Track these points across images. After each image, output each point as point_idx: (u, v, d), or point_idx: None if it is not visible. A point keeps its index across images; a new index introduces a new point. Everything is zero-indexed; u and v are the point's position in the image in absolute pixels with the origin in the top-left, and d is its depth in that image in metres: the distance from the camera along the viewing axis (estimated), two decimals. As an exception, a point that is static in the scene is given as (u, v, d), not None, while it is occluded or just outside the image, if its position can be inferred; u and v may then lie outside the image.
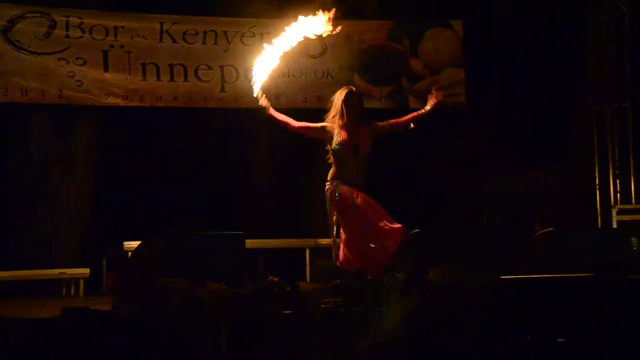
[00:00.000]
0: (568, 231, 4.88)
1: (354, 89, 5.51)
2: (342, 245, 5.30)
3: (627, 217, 7.14)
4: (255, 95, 5.47)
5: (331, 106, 5.47)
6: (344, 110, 5.34)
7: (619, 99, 7.97)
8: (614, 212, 7.22)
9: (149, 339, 3.85)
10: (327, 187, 5.37)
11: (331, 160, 5.41)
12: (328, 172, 5.43)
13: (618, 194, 7.81)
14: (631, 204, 7.54)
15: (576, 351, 3.82)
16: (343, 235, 5.31)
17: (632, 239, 6.79)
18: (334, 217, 5.39)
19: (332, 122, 5.41)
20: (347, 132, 5.33)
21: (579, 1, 8.10)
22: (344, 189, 5.29)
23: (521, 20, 8.19)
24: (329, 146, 5.40)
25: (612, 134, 7.95)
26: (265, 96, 5.49)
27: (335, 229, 5.41)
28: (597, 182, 7.93)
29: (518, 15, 8.19)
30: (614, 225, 7.10)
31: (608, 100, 8.00)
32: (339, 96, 5.44)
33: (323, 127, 5.44)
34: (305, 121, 5.62)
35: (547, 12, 8.05)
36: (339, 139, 5.33)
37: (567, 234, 4.68)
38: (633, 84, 7.93)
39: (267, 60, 5.54)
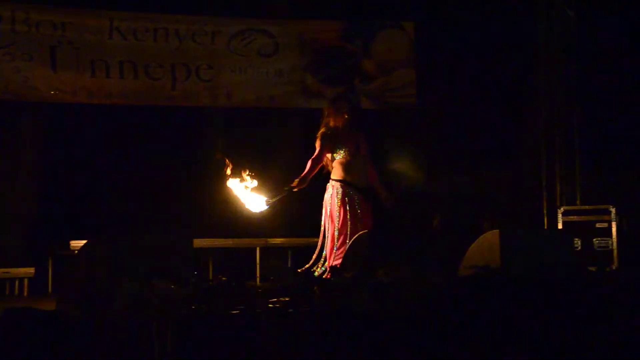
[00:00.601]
0: (513, 231, 4.95)
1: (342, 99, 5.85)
2: (342, 247, 5.35)
3: (572, 218, 7.27)
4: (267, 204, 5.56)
5: (323, 121, 5.70)
6: (335, 116, 5.60)
7: (566, 102, 8.11)
8: (559, 213, 7.34)
9: (93, 340, 3.80)
10: (334, 189, 5.52)
11: (331, 166, 5.63)
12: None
13: (564, 196, 7.95)
14: (576, 205, 7.68)
15: (518, 349, 3.88)
16: (341, 238, 5.40)
17: (576, 239, 6.95)
18: (340, 218, 5.48)
19: (325, 135, 5.63)
20: (344, 135, 5.57)
21: (528, 5, 8.22)
22: (350, 190, 5.49)
23: (471, 22, 8.28)
24: (329, 155, 5.61)
25: (559, 136, 8.09)
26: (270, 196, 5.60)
27: (326, 229, 5.50)
28: (544, 184, 8.06)
29: (468, 18, 8.27)
30: (560, 226, 7.22)
31: (556, 103, 8.14)
32: (328, 107, 5.74)
33: (324, 144, 5.64)
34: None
35: (497, 15, 8.14)
36: (338, 143, 5.55)
37: (513, 235, 4.75)
38: (580, 87, 8.08)
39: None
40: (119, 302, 3.93)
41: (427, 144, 8.58)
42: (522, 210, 8.20)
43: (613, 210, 7.07)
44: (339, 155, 5.58)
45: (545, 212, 7.94)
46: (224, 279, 4.39)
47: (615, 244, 6.95)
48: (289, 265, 7.03)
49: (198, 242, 6.48)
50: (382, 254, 4.65)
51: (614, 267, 6.62)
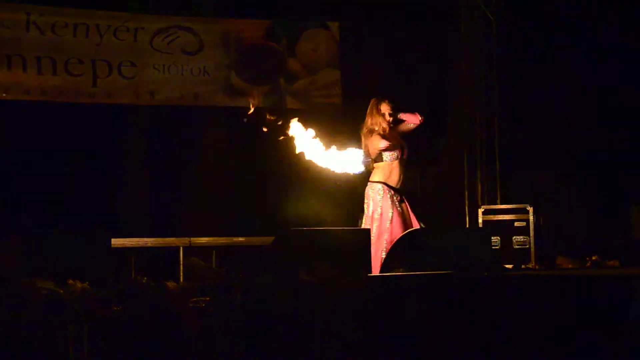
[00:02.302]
0: (431, 230, 5.03)
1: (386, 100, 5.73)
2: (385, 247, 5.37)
3: (491, 217, 7.42)
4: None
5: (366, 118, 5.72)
6: (382, 118, 5.63)
7: (487, 105, 8.28)
8: (480, 212, 7.49)
9: (7, 341, 3.70)
10: (376, 189, 5.53)
11: (374, 166, 5.61)
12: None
13: (486, 196, 8.12)
14: (497, 204, 7.85)
15: (439, 346, 3.94)
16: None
17: (495, 238, 7.10)
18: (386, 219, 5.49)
19: (370, 133, 5.64)
20: (390, 138, 5.60)
21: (451, 9, 8.35)
22: (390, 193, 5.53)
23: (395, 24, 8.36)
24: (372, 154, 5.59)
25: (481, 138, 8.26)
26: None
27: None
28: (465, 184, 8.21)
29: (392, 20, 8.35)
30: (480, 225, 7.36)
31: (477, 106, 8.29)
32: (372, 106, 5.71)
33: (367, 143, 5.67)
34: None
35: (421, 18, 8.24)
36: (385, 146, 5.57)
37: (431, 233, 4.82)
38: (501, 90, 8.26)
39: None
40: (33, 304, 3.83)
41: (351, 144, 8.62)
42: (446, 210, 8.34)
43: (530, 209, 7.25)
44: (387, 158, 5.58)
45: (467, 211, 8.09)
46: (143, 279, 4.33)
47: (532, 242, 7.13)
48: (214, 265, 6.96)
49: (118, 242, 6.35)
50: (304, 253, 4.64)
51: (530, 265, 6.78)
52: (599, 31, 8.02)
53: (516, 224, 7.23)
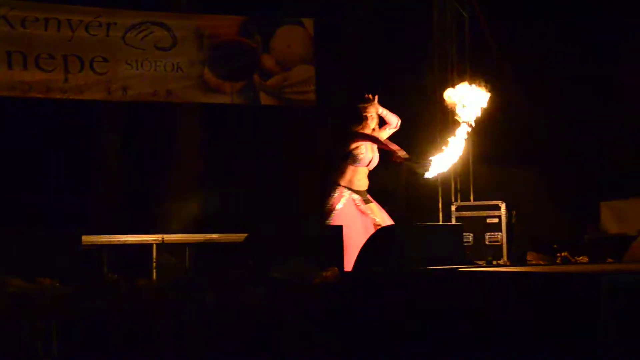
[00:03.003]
0: (403, 227, 5.05)
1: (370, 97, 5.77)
2: None
3: (464, 214, 7.47)
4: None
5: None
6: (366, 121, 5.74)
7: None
8: (452, 209, 7.53)
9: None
10: (337, 193, 5.61)
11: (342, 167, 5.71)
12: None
13: (459, 192, 8.16)
14: (469, 201, 7.90)
15: (408, 342, 3.96)
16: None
17: (468, 234, 7.16)
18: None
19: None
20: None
21: (425, 6, 8.38)
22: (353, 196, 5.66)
23: (371, 21, 8.38)
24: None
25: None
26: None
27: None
28: (439, 181, 8.24)
29: (368, 17, 8.37)
30: (453, 221, 7.41)
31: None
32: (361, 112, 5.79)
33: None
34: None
35: (397, 15, 8.27)
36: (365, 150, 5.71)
37: (403, 230, 4.84)
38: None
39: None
40: (1, 300, 3.80)
41: (326, 141, 8.63)
42: (420, 207, 8.37)
43: (503, 205, 7.31)
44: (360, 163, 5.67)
45: (440, 207, 8.13)
46: (114, 276, 4.31)
47: (504, 239, 7.19)
48: (187, 263, 6.94)
49: (89, 239, 6.30)
50: (274, 250, 4.65)
51: (502, 261, 6.84)
52: (570, 26, 8.09)
53: (488, 220, 7.29)
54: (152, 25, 7.91)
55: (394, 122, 5.83)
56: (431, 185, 8.32)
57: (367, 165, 5.79)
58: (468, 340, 3.74)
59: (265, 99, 8.30)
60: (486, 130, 8.25)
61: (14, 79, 7.38)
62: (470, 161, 8.21)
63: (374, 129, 5.81)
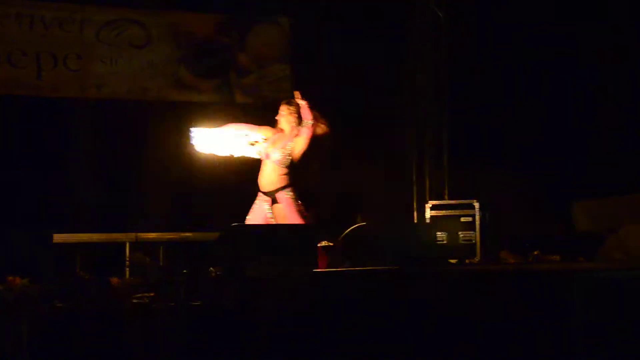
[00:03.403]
0: (376, 225, 5.06)
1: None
2: None
3: (439, 212, 7.50)
4: None
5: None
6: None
7: (436, 101, 8.36)
8: (427, 207, 7.56)
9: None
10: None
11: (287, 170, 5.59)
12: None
13: (433, 191, 8.20)
14: (444, 200, 7.94)
15: (385, 340, 3.97)
16: None
17: (442, 232, 7.19)
18: None
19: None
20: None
21: (404, 6, 8.41)
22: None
23: (348, 19, 8.37)
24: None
25: (428, 134, 8.34)
26: None
27: None
28: (413, 179, 8.29)
29: (346, 16, 8.36)
30: (427, 220, 7.43)
31: (426, 102, 8.37)
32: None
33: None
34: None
35: (375, 14, 8.27)
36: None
37: (376, 228, 4.85)
38: (448, 86, 8.35)
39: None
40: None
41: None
42: (395, 205, 8.40)
43: (477, 204, 7.34)
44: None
45: (415, 206, 8.16)
46: (86, 275, 4.27)
47: (478, 237, 7.22)
48: (161, 261, 6.90)
49: (61, 237, 6.24)
50: (251, 249, 4.64)
51: (475, 260, 6.88)
52: (547, 29, 8.15)
53: (462, 219, 7.32)
54: (127, 22, 7.86)
55: (307, 118, 5.63)
56: (405, 183, 8.38)
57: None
58: (444, 336, 3.76)
59: (240, 97, 8.26)
60: (462, 129, 8.35)
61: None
62: (445, 159, 8.26)
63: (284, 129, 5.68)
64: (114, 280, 4.20)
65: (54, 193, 7.63)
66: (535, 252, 6.17)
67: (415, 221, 7.72)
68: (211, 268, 4.51)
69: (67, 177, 7.87)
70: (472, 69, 8.39)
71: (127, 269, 6.68)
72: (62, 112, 7.76)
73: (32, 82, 7.48)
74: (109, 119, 7.94)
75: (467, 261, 6.20)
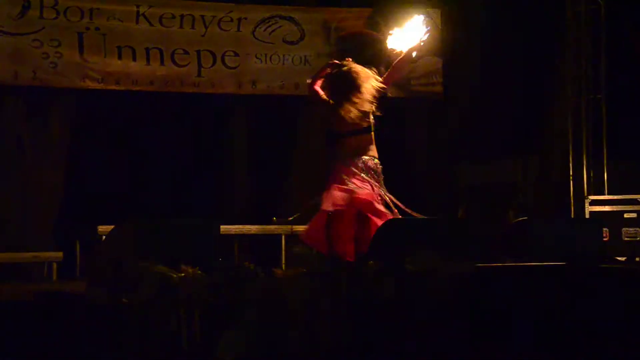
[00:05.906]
0: (540, 221, 4.91)
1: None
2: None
3: (599, 208, 7.21)
4: None
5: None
6: None
7: (594, 90, 8.04)
8: (586, 203, 7.28)
9: (121, 324, 3.81)
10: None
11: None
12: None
13: (591, 186, 7.89)
14: (604, 195, 7.61)
15: (547, 339, 3.85)
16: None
17: (604, 229, 6.89)
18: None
19: None
20: None
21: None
22: None
23: (499, 12, 8.20)
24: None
25: (587, 125, 8.03)
26: None
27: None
28: (571, 173, 8.00)
29: (496, 7, 8.19)
30: (587, 216, 7.16)
31: (583, 92, 8.07)
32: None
33: None
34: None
35: (525, 4, 8.07)
36: None
37: (540, 224, 4.71)
38: (608, 76, 8.00)
39: None
40: (146, 287, 3.94)
41: (452, 134, 8.53)
42: (549, 200, 8.15)
43: (642, 200, 7.01)
44: None
45: (572, 201, 7.88)
46: (250, 265, 4.38)
47: (643, 235, 6.90)
48: (314, 253, 7.01)
49: (223, 229, 6.47)
50: (409, 242, 4.62)
51: (640, 258, 6.57)
52: None
53: (626, 215, 7.00)
54: (280, 19, 8.05)
55: None
56: (561, 178, 8.10)
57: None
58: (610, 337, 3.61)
59: (390, 91, 8.24)
60: (622, 119, 7.98)
61: (152, 74, 7.67)
62: (605, 152, 7.92)
63: None
64: (279, 271, 4.28)
65: (213, 186, 7.94)
66: None
67: (586, 217, 7.43)
68: (370, 262, 4.52)
69: (224, 170, 8.17)
70: (631, 60, 8.01)
71: (284, 260, 6.86)
72: (219, 108, 8.04)
73: (192, 79, 7.80)
74: (262, 113, 8.16)
75: (637, 259, 5.91)
